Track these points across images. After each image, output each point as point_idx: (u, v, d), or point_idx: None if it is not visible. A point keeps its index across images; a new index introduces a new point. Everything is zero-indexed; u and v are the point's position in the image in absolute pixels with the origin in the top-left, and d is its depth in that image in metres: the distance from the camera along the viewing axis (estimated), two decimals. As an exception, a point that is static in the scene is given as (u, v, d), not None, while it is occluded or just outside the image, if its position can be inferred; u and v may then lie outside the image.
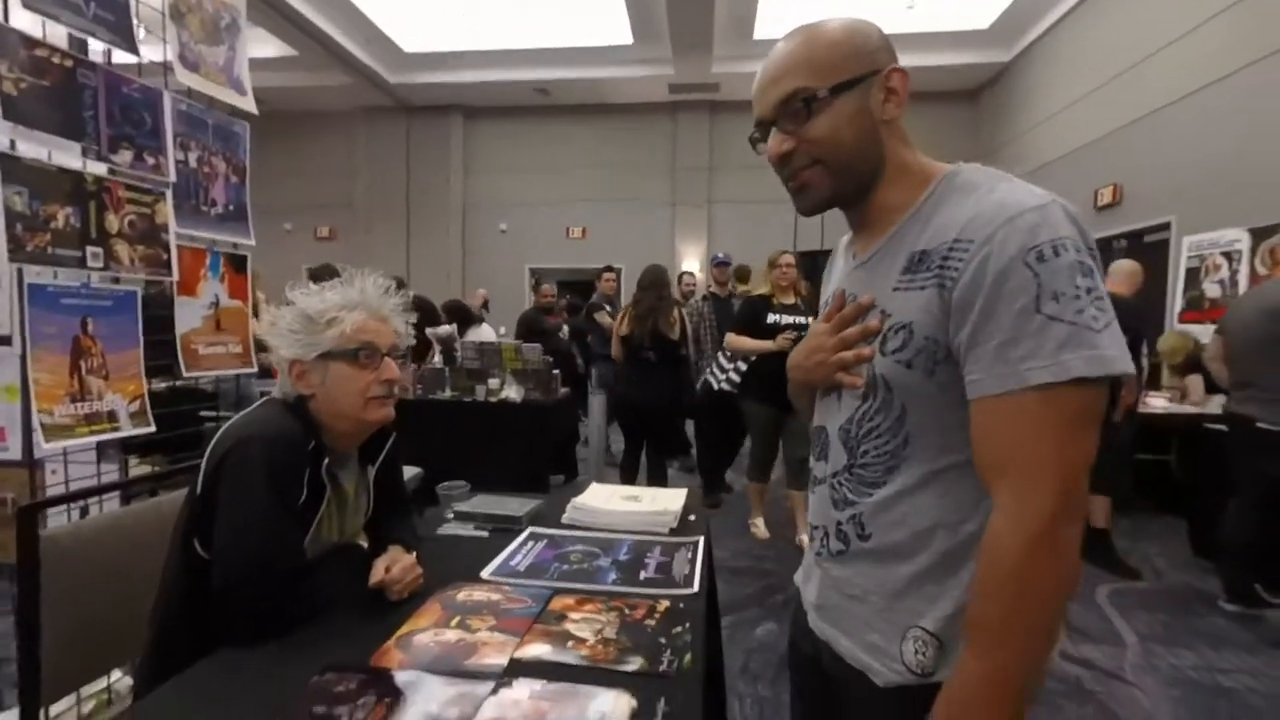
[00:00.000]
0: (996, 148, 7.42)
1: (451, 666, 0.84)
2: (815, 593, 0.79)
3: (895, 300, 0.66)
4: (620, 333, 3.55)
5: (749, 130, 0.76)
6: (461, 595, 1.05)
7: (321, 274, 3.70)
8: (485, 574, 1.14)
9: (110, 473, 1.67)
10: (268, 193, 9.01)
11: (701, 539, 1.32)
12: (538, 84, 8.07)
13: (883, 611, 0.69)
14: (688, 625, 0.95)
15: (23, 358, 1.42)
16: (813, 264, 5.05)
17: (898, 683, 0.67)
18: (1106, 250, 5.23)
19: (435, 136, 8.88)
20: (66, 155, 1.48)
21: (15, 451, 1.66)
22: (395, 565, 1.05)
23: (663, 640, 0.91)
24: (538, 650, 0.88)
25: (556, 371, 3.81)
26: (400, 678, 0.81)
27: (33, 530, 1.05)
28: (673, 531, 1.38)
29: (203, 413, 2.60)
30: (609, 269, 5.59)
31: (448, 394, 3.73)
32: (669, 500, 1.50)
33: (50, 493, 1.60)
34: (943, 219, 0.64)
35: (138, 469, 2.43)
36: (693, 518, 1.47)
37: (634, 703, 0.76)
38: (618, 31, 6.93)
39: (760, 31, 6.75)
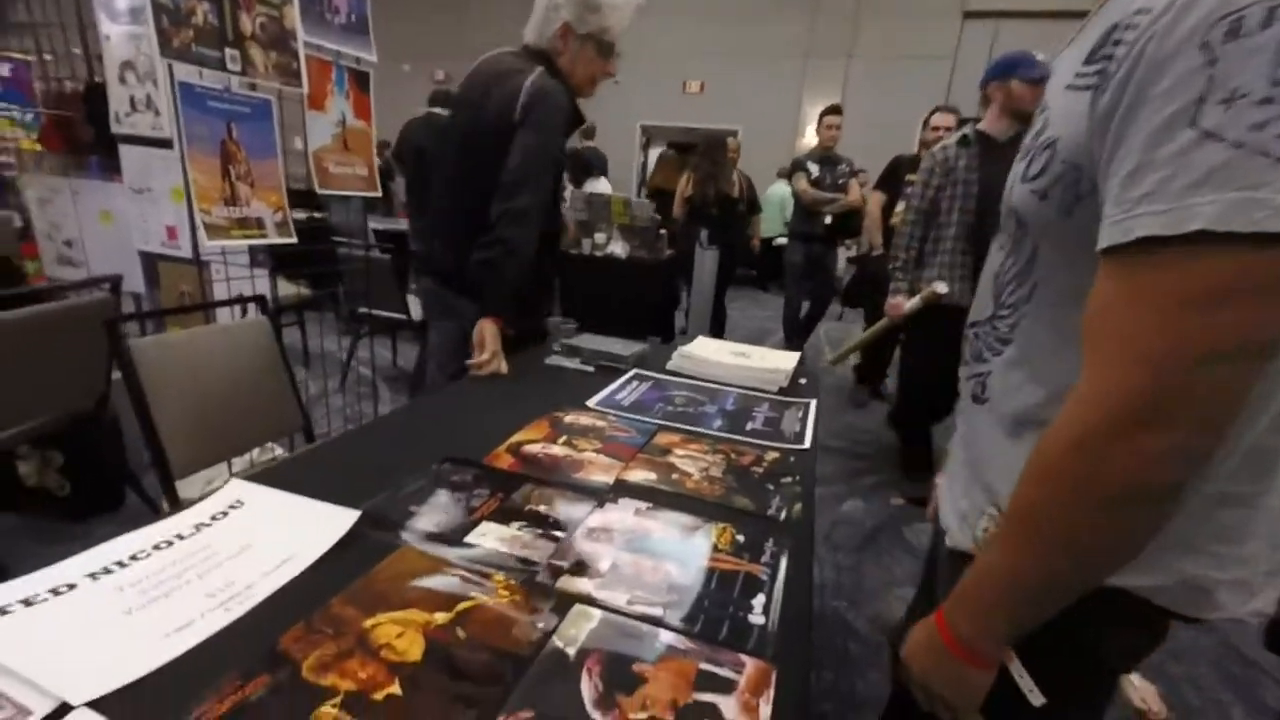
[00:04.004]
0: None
1: (560, 477, 0.86)
2: (950, 446, 0.72)
3: (1060, 104, 0.49)
4: (685, 194, 3.79)
5: None
6: (569, 418, 1.07)
7: (437, 99, 3.68)
8: (590, 403, 1.15)
9: (261, 277, 1.83)
10: (386, 36, 8.92)
11: (814, 402, 1.25)
12: (669, -101, 7.01)
13: (977, 479, 0.61)
14: (799, 478, 0.91)
15: (181, 158, 1.51)
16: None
17: (964, 549, 0.61)
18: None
19: (552, -33, 8.15)
20: (199, -57, 1.45)
21: (186, 250, 1.85)
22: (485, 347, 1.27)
23: (770, 487, 0.87)
24: (642, 475, 0.88)
25: (664, 231, 3.68)
26: (512, 478, 0.84)
27: (120, 339, 1.19)
28: (781, 391, 1.31)
29: (335, 239, 2.78)
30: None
31: (555, 245, 3.74)
32: (780, 360, 1.42)
33: (218, 290, 1.78)
34: None
35: (283, 285, 2.68)
36: (803, 381, 1.39)
37: (740, 536, 0.74)
38: None
39: None
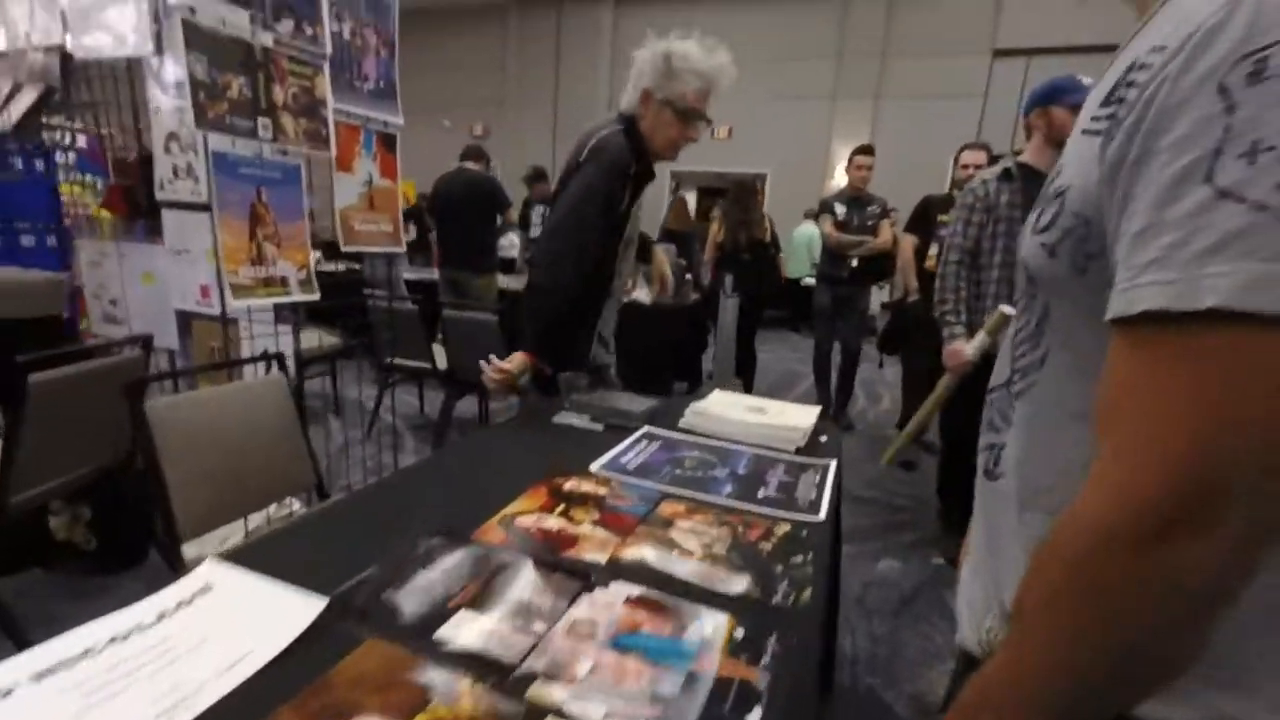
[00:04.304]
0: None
1: (550, 555, 0.80)
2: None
3: (1073, 149, 0.44)
4: (717, 239, 3.84)
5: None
6: (569, 485, 1.02)
7: (469, 154, 3.82)
8: (594, 467, 1.10)
9: (285, 333, 1.87)
10: (429, 93, 9.48)
11: (833, 463, 1.17)
12: (696, -40, 7.32)
13: (987, 565, 0.55)
14: (810, 556, 0.83)
15: (212, 221, 1.58)
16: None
17: (968, 649, 0.55)
18: None
19: (585, 27, 8.57)
20: (235, 25, 1.54)
21: (218, 308, 1.91)
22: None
23: (779, 568, 0.80)
24: (640, 552, 0.82)
25: (689, 276, 3.67)
26: (498, 557, 0.79)
27: (140, 401, 1.22)
28: (799, 451, 1.24)
29: (366, 290, 2.87)
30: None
31: (581, 291, 3.77)
32: (798, 416, 1.35)
33: (244, 346, 1.83)
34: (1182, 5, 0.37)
35: (310, 335, 2.76)
36: (823, 439, 1.31)
37: (739, 631, 0.67)
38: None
39: None
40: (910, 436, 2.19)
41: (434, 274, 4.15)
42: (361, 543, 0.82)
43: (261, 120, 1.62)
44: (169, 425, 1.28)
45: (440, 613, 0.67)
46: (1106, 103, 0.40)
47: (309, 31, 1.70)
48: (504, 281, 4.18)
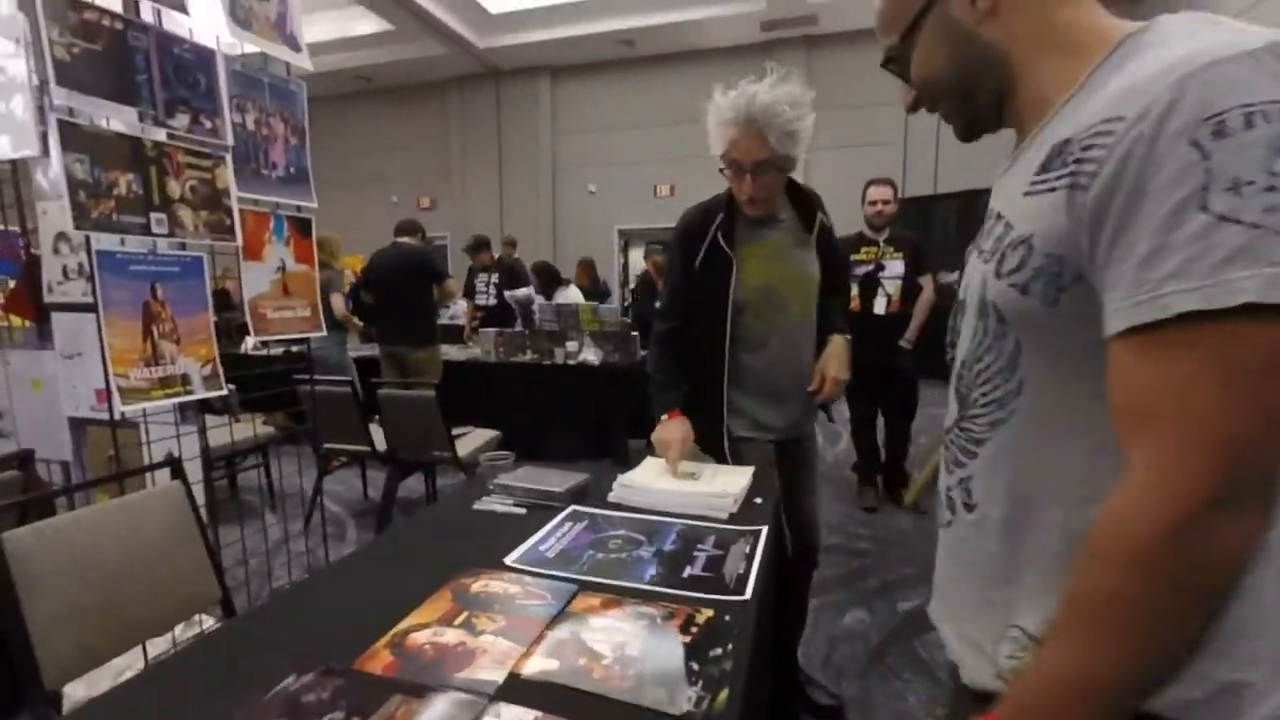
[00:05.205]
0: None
1: (439, 679, 0.71)
2: (936, 571, 0.67)
3: (1021, 208, 0.52)
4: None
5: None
6: (477, 586, 0.93)
7: (403, 229, 3.80)
8: (509, 560, 1.02)
9: (189, 433, 1.74)
10: (376, 168, 9.58)
11: (765, 529, 1.11)
12: (623, 34, 7.73)
13: (983, 600, 0.57)
14: (729, 648, 0.76)
15: (98, 323, 1.47)
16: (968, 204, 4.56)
17: (985, 687, 0.56)
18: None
19: (524, 99, 8.87)
20: (123, 122, 1.49)
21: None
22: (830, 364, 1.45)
23: (695, 666, 0.73)
24: (542, 664, 0.74)
25: (635, 333, 3.66)
26: (378, 688, 0.69)
27: None
28: (732, 518, 1.18)
29: (295, 375, 2.74)
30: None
31: (528, 356, 3.72)
32: (730, 480, 1.30)
33: (143, 451, 1.69)
34: (1106, 93, 0.46)
35: (220, 428, 2.60)
36: (759, 500, 1.26)
37: (641, 756, 0.59)
38: (705, -35, 6.41)
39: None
40: (928, 480, 2.37)
41: (375, 351, 4.04)
42: (224, 684, 0.72)
43: (155, 215, 1.55)
44: (34, 556, 1.14)
45: (291, 777, 0.57)
46: (1047, 169, 0.49)
47: (208, 124, 1.67)
48: (450, 352, 4.09)
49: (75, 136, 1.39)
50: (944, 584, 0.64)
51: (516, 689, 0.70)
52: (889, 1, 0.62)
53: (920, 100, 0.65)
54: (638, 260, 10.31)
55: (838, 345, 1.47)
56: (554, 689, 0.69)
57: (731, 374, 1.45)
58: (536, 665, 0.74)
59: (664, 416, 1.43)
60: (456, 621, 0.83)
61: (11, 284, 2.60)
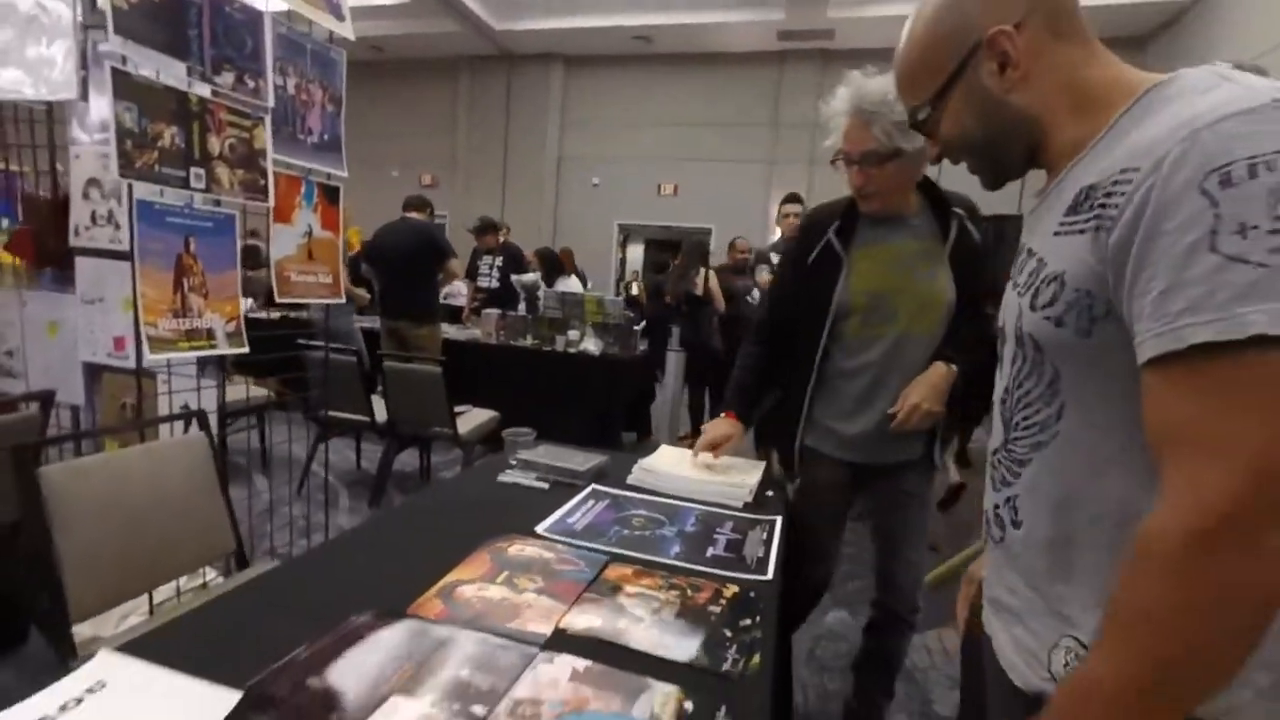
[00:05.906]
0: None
1: (491, 627, 0.76)
2: (988, 584, 0.71)
3: (1052, 246, 0.56)
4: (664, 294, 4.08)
5: None
6: (513, 550, 0.98)
7: (411, 204, 3.78)
8: (539, 529, 1.07)
9: (209, 387, 1.76)
10: (379, 141, 9.46)
11: (779, 519, 1.18)
12: (640, 30, 7.74)
13: (1035, 611, 0.60)
14: (758, 619, 0.82)
15: (133, 272, 1.49)
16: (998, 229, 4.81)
17: (1039, 689, 0.58)
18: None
19: (535, 86, 8.82)
20: (172, 75, 1.51)
21: (132, 361, 1.78)
22: (916, 389, 1.26)
23: (728, 633, 0.79)
24: (586, 621, 0.79)
25: (637, 327, 3.72)
26: (435, 632, 0.74)
27: (32, 466, 1.10)
28: (746, 507, 1.24)
29: (299, 340, 2.75)
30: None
31: (529, 341, 3.75)
32: (746, 472, 1.36)
33: (160, 402, 1.71)
34: (1129, 143, 0.51)
35: (239, 388, 2.61)
36: (770, 494, 1.33)
37: (689, 704, 0.65)
38: (728, -30, 6.47)
39: (887, -33, 6.06)
40: (953, 569, 2.26)
41: (376, 324, 4.03)
42: (282, 624, 0.76)
43: (195, 170, 1.57)
44: (66, 493, 1.16)
45: (371, 700, 0.62)
46: (1075, 212, 0.54)
47: (251, 84, 1.68)
48: (449, 332, 4.09)
49: (126, 85, 1.41)
50: (999, 593, 0.66)
51: (564, 641, 0.75)
52: (914, 67, 0.63)
53: (947, 154, 0.67)
54: (636, 255, 10.38)
55: (935, 373, 1.27)
56: (599, 645, 0.75)
57: (818, 382, 1.34)
58: (581, 621, 0.79)
59: (721, 414, 1.44)
60: (498, 580, 0.89)
61: (3, 223, 2.57)
